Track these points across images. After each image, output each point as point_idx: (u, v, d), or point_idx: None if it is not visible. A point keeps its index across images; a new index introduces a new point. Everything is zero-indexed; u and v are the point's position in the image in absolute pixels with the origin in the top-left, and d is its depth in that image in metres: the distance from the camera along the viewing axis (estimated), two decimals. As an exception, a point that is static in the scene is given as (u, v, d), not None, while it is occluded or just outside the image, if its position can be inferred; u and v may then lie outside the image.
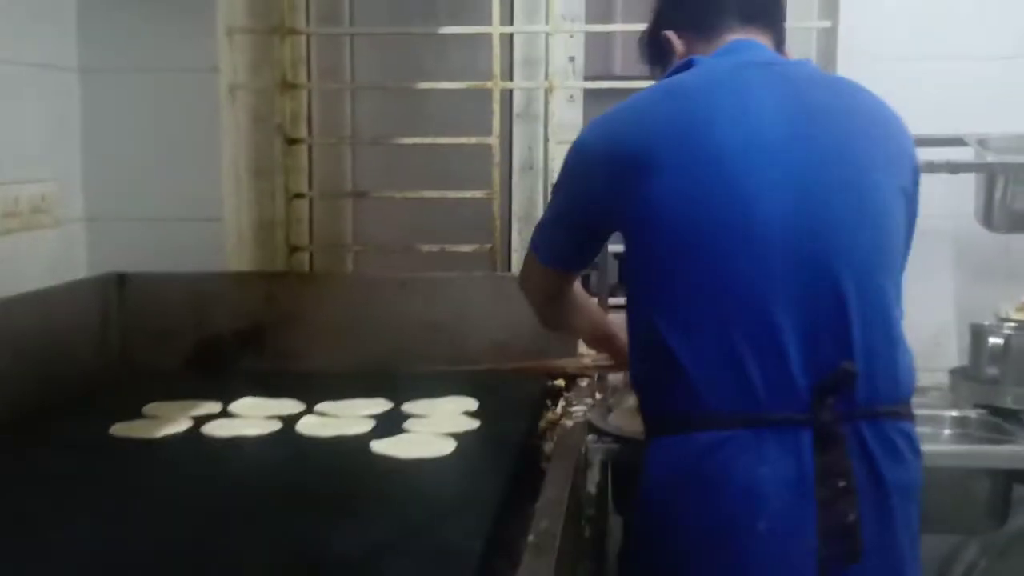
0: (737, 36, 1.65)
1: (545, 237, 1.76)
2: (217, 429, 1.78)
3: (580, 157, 1.64)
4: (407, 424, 1.80)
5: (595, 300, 2.14)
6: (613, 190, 1.57)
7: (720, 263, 1.49)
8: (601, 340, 2.01)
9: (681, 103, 1.55)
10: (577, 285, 1.92)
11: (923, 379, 2.41)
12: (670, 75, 1.64)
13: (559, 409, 2.03)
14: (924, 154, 2.27)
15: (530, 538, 1.38)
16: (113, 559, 1.26)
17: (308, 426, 1.80)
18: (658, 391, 1.56)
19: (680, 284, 1.52)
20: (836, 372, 1.46)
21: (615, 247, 1.74)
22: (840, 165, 1.52)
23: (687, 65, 1.62)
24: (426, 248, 2.52)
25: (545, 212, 1.78)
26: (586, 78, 2.65)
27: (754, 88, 1.55)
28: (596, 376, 2.20)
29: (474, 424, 1.82)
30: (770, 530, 1.44)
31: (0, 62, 2.11)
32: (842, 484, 1.45)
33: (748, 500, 1.45)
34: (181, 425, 1.80)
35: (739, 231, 1.48)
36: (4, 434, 1.76)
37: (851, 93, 1.63)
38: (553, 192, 1.75)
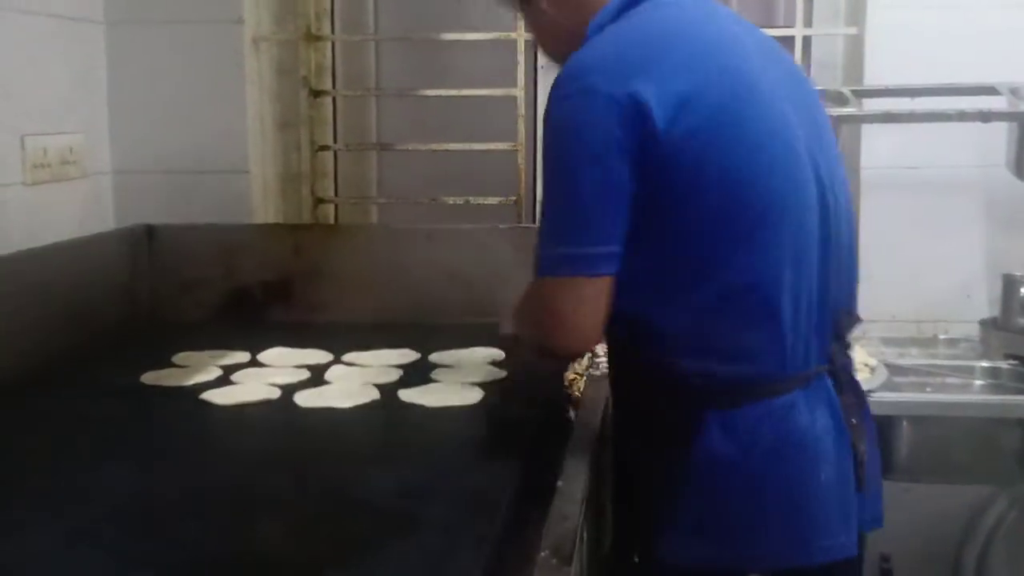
0: None
1: (581, 241, 1.37)
2: (247, 378, 1.79)
3: (594, 111, 1.35)
4: (434, 374, 1.81)
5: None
6: (640, 140, 1.34)
7: (786, 219, 1.41)
8: None
9: (689, 37, 1.42)
10: None
11: (953, 330, 2.43)
12: (611, 15, 1.46)
13: (585, 359, 2.04)
14: (956, 103, 2.27)
15: (559, 483, 1.39)
16: (146, 502, 1.29)
17: (336, 375, 1.81)
18: (732, 359, 1.43)
19: (755, 247, 1.40)
20: (847, 318, 1.51)
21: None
22: (812, 108, 1.54)
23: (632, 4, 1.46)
24: (451, 200, 2.52)
25: (560, 218, 1.39)
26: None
27: (729, 24, 1.50)
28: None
29: (501, 373, 1.82)
30: (828, 479, 1.45)
31: (27, 14, 2.11)
32: (854, 422, 1.49)
33: (812, 455, 1.45)
34: (211, 373, 1.81)
35: (788, 176, 1.42)
36: (36, 382, 1.78)
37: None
38: (562, 183, 1.39)
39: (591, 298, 1.38)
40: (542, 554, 1.20)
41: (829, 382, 1.48)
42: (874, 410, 1.87)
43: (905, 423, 2.07)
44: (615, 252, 1.37)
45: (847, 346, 1.56)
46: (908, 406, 2.08)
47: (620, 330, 1.46)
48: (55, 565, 1.12)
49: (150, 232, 2.31)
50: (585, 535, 1.36)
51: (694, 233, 1.38)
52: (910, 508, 2.20)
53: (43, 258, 2.00)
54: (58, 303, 2.00)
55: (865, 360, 2.16)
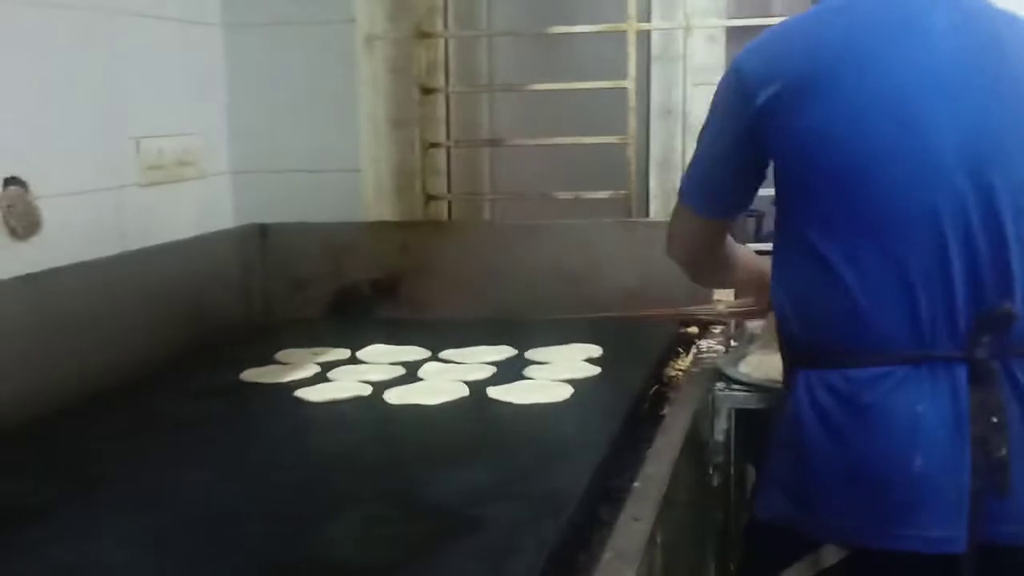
0: None
1: (699, 186, 1.62)
2: (342, 375, 1.81)
3: (738, 82, 1.51)
4: (527, 371, 1.79)
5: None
6: (776, 115, 1.47)
7: (896, 194, 1.43)
8: (758, 285, 1.85)
9: (851, 24, 1.48)
10: None
11: None
12: None
13: (690, 357, 1.99)
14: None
15: (635, 484, 1.36)
16: (221, 503, 1.31)
17: (429, 372, 1.81)
18: (820, 323, 1.49)
19: (851, 214, 1.45)
20: (997, 312, 1.43)
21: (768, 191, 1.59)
22: (1012, 100, 1.47)
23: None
24: (560, 195, 2.49)
25: (693, 159, 1.63)
26: (740, 18, 2.54)
27: (925, 12, 1.48)
28: (733, 323, 2.14)
29: (595, 371, 1.80)
30: (926, 466, 1.40)
31: (146, 17, 2.17)
32: (995, 420, 1.42)
33: (908, 436, 1.40)
34: (309, 370, 1.84)
35: (914, 162, 1.42)
36: (145, 381, 1.84)
37: (1018, 24, 1.53)
38: (702, 134, 1.60)
39: (694, 230, 1.66)
40: (606, 556, 1.17)
41: (961, 370, 1.41)
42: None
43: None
44: (719, 201, 1.62)
45: (1009, 341, 1.44)
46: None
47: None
48: (118, 568, 1.14)
49: (263, 231, 2.36)
50: (659, 537, 1.32)
51: (792, 197, 1.52)
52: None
53: (157, 258, 2.06)
54: (172, 302, 2.07)
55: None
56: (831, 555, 1.47)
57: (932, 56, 1.45)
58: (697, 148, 1.62)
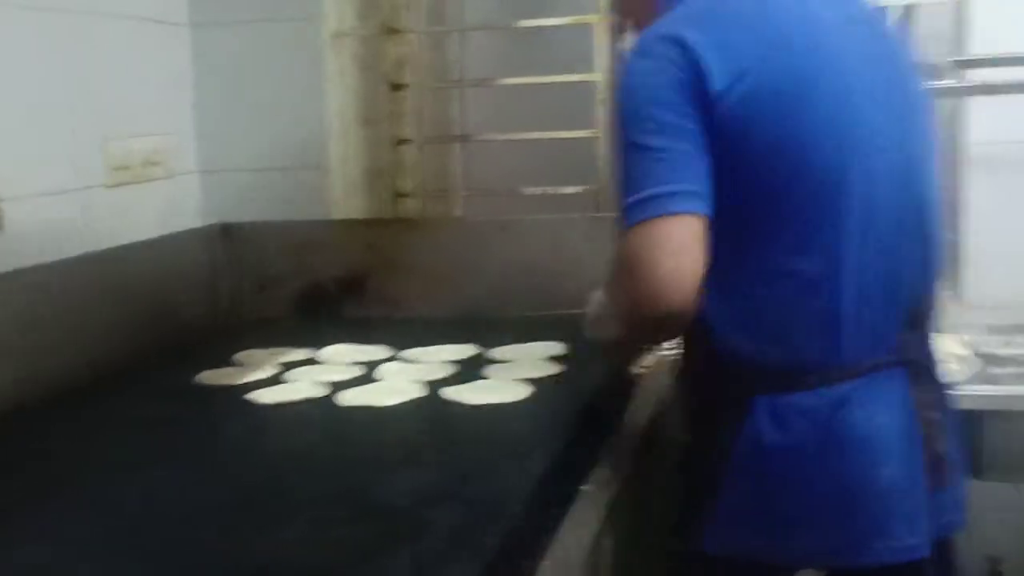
0: None
1: (658, 180, 1.30)
2: (299, 376, 1.79)
3: (685, 58, 1.31)
4: (487, 370, 1.77)
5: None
6: (747, 118, 1.32)
7: (864, 203, 1.36)
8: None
9: (778, 18, 1.38)
10: None
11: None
12: None
13: (654, 355, 1.96)
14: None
15: (584, 487, 1.34)
16: (164, 507, 1.28)
17: (388, 373, 1.79)
18: (794, 344, 1.38)
19: (830, 226, 1.36)
20: (921, 310, 1.44)
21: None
22: (904, 90, 1.46)
23: None
24: (528, 191, 2.47)
25: (635, 166, 1.32)
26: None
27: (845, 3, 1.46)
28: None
29: (557, 369, 1.77)
30: (891, 476, 1.38)
31: (113, 17, 2.15)
32: (934, 416, 1.42)
33: (874, 449, 1.38)
34: (266, 372, 1.82)
35: (875, 169, 1.38)
36: (108, 381, 1.82)
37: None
38: (634, 132, 1.33)
39: (677, 239, 1.28)
40: (545, 562, 1.15)
41: (901, 374, 1.40)
42: (964, 404, 1.76)
43: (999, 419, 1.93)
44: (696, 190, 1.30)
45: (926, 336, 1.47)
46: (1002, 400, 1.93)
47: None
48: (67, 569, 1.12)
49: (228, 230, 2.34)
50: (612, 540, 1.30)
51: (745, 205, 1.34)
52: (1019, 510, 2.07)
53: (121, 258, 2.04)
54: (137, 302, 2.05)
55: (955, 350, 2.02)
56: None
57: (864, 54, 1.41)
58: (634, 153, 1.33)
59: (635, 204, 1.29)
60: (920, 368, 1.43)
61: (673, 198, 1.28)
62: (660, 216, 1.27)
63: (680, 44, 1.32)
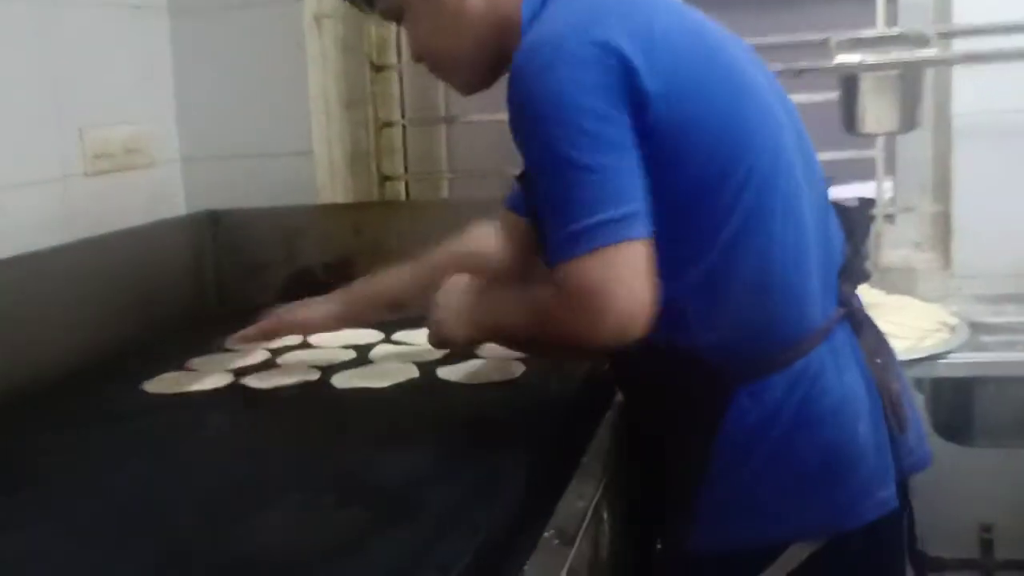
0: None
1: (623, 204, 1.22)
2: (291, 360, 1.79)
3: (614, 58, 1.23)
4: (481, 349, 1.76)
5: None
6: (678, 111, 1.26)
7: (771, 181, 1.33)
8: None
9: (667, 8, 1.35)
10: None
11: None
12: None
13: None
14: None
15: (583, 460, 1.34)
16: (156, 495, 1.28)
17: (380, 355, 1.78)
18: (767, 329, 1.34)
19: (746, 212, 1.30)
20: (854, 263, 1.47)
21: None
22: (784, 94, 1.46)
23: None
24: (514, 172, 2.45)
25: (569, 191, 1.22)
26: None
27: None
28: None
29: (548, 348, 1.77)
30: (864, 431, 1.37)
31: (91, 4, 2.14)
32: (879, 361, 1.42)
33: (847, 408, 1.37)
34: (258, 357, 1.82)
35: (768, 138, 1.35)
36: (93, 370, 1.82)
37: None
38: (565, 153, 1.22)
39: (632, 267, 1.21)
40: (545, 534, 1.15)
41: (847, 327, 1.41)
42: (953, 372, 1.76)
43: (990, 385, 1.94)
44: (641, 210, 1.22)
45: (854, 287, 1.47)
46: (993, 366, 1.94)
47: None
48: (48, 561, 1.12)
49: (214, 218, 2.33)
50: (605, 516, 1.30)
51: (683, 202, 1.28)
52: (1011, 475, 2.07)
53: (106, 247, 2.03)
54: (123, 292, 2.03)
55: (944, 319, 2.02)
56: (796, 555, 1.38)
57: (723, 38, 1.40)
58: (567, 175, 1.22)
59: (581, 232, 1.21)
60: (860, 317, 1.43)
61: (621, 224, 1.21)
62: (611, 244, 1.21)
63: (599, 45, 1.23)
